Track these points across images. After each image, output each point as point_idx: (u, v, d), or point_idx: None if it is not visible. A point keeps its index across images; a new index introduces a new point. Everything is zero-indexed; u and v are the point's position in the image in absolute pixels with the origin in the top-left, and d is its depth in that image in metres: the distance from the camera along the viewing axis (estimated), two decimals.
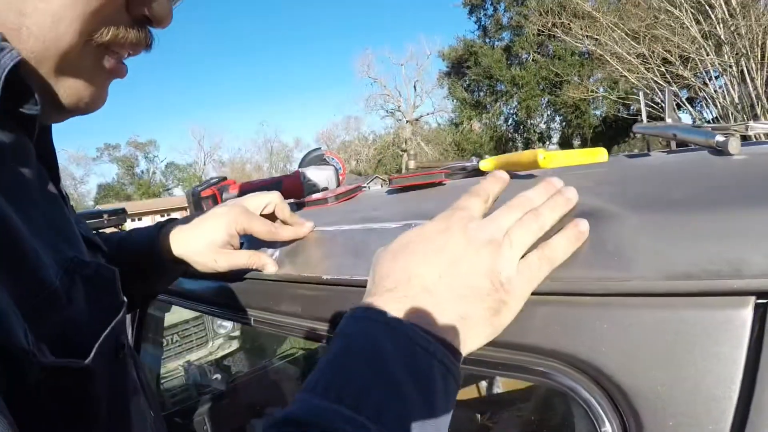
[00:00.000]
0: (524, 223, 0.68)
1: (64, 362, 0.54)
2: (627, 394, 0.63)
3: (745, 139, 1.18)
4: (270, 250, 1.14)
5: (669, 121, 1.27)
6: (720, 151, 0.96)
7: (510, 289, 0.66)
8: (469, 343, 0.65)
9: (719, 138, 0.96)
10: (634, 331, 0.63)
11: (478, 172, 1.33)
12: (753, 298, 0.58)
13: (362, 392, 0.56)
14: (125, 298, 0.69)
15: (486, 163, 1.26)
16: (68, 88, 0.63)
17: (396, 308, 0.63)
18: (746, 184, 0.74)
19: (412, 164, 1.54)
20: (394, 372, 0.57)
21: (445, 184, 1.26)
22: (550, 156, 1.02)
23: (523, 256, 0.68)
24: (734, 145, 0.93)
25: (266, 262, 1.09)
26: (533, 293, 0.70)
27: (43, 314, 0.54)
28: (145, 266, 1.08)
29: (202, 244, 1.06)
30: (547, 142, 41.19)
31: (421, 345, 0.60)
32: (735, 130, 1.18)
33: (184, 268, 1.12)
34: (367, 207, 1.18)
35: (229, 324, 3.54)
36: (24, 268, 0.52)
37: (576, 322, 0.67)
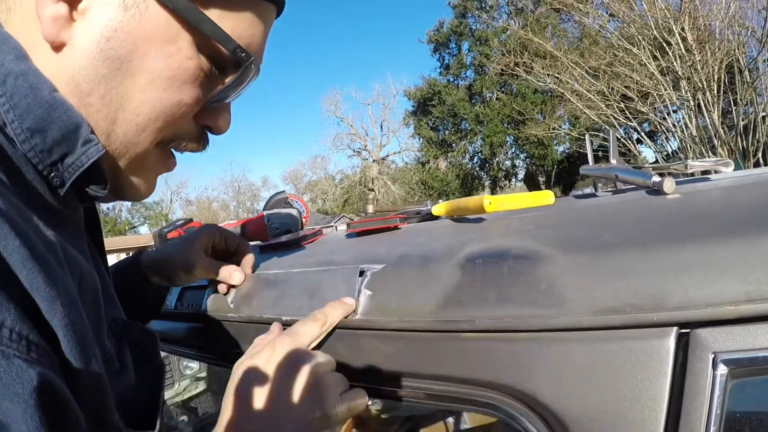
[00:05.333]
0: (329, 361, 0.90)
1: None
2: (563, 422, 0.68)
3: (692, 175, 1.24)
4: (232, 291, 1.19)
5: (613, 162, 1.33)
6: (656, 190, 1.01)
7: (334, 420, 0.84)
8: None
9: (655, 179, 1.02)
10: (566, 362, 0.69)
11: (431, 217, 1.37)
12: (675, 328, 0.63)
13: None
14: (163, 362, 0.82)
15: (438, 208, 1.30)
16: (131, 182, 0.77)
17: None
18: (672, 223, 0.79)
19: (370, 209, 1.59)
20: None
21: (400, 228, 1.31)
22: (495, 201, 1.07)
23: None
24: (668, 185, 0.99)
25: (233, 272, 1.17)
26: (479, 331, 0.77)
27: (110, 381, 0.63)
28: (127, 285, 1.13)
29: (179, 247, 1.16)
30: (513, 179, 41.27)
31: None
32: (675, 169, 1.24)
33: (164, 282, 1.20)
34: (326, 250, 1.22)
35: (195, 365, 3.50)
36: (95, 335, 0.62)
37: (514, 356, 0.73)
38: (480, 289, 0.78)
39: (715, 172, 1.26)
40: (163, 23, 0.66)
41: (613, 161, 1.33)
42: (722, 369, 0.60)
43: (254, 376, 0.84)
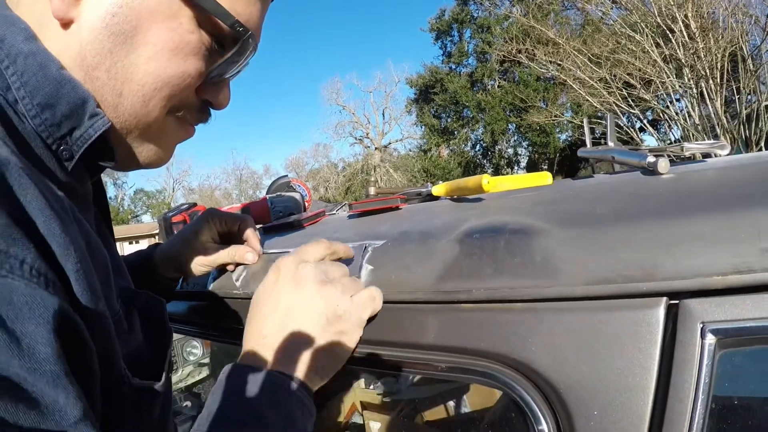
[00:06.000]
0: (338, 267, 0.91)
1: (147, 384, 0.74)
2: (556, 388, 0.70)
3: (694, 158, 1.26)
4: (238, 269, 1.20)
5: (611, 144, 1.34)
6: (651, 171, 1.03)
7: (347, 319, 0.85)
8: (321, 374, 0.84)
9: (650, 159, 1.03)
10: (560, 331, 0.71)
11: (431, 197, 1.39)
12: (665, 298, 0.66)
13: (238, 427, 0.73)
14: (171, 327, 0.88)
15: (438, 189, 1.32)
16: (148, 151, 0.81)
17: (258, 362, 0.80)
18: (664, 199, 0.81)
19: (372, 190, 1.61)
20: (262, 409, 0.74)
21: (400, 209, 1.32)
22: (494, 181, 1.09)
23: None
24: (663, 165, 1.00)
25: (246, 253, 1.18)
26: (476, 302, 0.80)
27: (119, 340, 0.68)
28: (140, 272, 1.17)
29: (187, 241, 1.18)
30: (516, 167, 41.13)
31: (281, 386, 0.77)
32: (671, 152, 1.26)
33: (176, 272, 1.22)
34: (329, 230, 1.24)
35: (198, 351, 3.51)
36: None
37: (509, 326, 0.76)
38: (477, 261, 0.80)
39: (715, 155, 1.28)
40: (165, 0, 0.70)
41: (610, 144, 1.35)
42: (710, 339, 0.62)
43: (263, 297, 0.87)
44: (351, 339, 0.85)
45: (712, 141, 1.28)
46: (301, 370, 0.80)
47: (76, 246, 0.58)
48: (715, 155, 1.28)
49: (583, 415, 0.68)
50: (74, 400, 0.51)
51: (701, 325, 0.63)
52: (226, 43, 0.79)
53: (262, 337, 0.82)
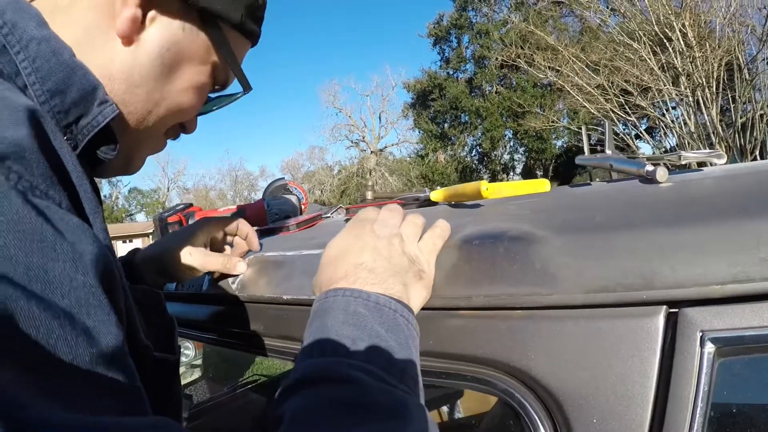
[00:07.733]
0: (407, 223, 0.91)
1: (166, 356, 0.81)
2: (555, 396, 0.70)
3: (699, 166, 1.26)
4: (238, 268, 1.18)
5: (608, 152, 1.35)
6: (649, 179, 1.03)
7: (421, 261, 0.85)
8: (414, 302, 0.81)
9: (648, 168, 1.04)
10: (559, 339, 0.71)
11: (429, 202, 1.39)
12: (665, 307, 0.66)
13: (353, 345, 0.70)
14: (172, 318, 0.95)
15: (436, 194, 1.32)
16: (130, 157, 0.86)
17: (355, 286, 0.78)
18: (663, 207, 0.82)
19: (369, 195, 1.61)
20: (373, 326, 0.72)
21: None
22: (493, 187, 1.08)
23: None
24: (661, 173, 1.01)
25: (237, 263, 1.18)
26: (475, 308, 0.80)
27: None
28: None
29: (178, 243, 1.15)
30: (511, 173, 41.20)
31: (385, 305, 0.76)
32: (669, 160, 1.26)
33: (158, 275, 1.18)
34: (325, 233, 1.24)
35: (191, 352, 3.51)
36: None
37: (508, 333, 0.76)
38: (476, 268, 0.81)
39: (712, 164, 1.28)
40: (204, 46, 0.82)
41: (608, 152, 1.35)
42: (710, 347, 0.62)
43: (347, 241, 0.87)
44: (429, 279, 0.85)
45: (708, 150, 1.28)
46: (402, 296, 0.79)
47: (101, 210, 0.65)
48: (712, 164, 1.28)
49: (582, 423, 0.68)
50: (116, 322, 0.52)
51: (700, 334, 0.63)
52: (219, 85, 0.90)
53: (359, 264, 0.81)
